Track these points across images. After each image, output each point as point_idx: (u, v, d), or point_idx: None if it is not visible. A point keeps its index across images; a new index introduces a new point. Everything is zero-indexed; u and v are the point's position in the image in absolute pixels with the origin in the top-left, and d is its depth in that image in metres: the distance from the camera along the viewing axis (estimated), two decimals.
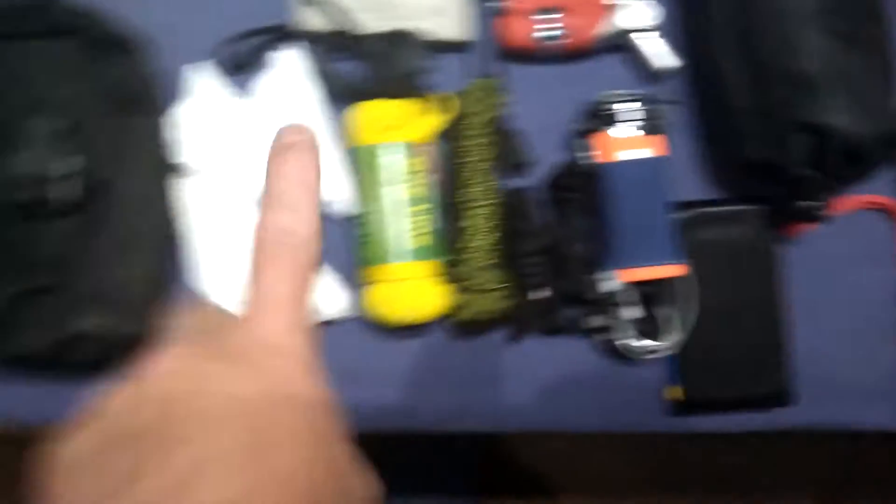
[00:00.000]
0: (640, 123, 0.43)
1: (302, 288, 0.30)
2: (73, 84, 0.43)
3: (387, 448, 0.96)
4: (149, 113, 0.43)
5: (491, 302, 0.44)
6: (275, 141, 0.34)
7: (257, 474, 0.22)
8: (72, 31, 0.43)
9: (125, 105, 0.43)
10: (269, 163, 0.33)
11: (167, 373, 0.25)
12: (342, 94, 0.44)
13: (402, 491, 0.91)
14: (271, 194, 0.31)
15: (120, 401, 0.24)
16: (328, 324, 0.46)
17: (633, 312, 0.43)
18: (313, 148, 0.33)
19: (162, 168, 0.43)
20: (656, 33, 0.44)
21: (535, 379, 0.47)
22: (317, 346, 0.29)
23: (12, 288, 0.42)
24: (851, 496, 0.99)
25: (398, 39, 0.41)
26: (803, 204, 0.41)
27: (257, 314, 0.28)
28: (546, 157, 0.45)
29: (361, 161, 0.42)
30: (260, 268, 0.30)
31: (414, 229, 0.42)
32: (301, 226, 0.31)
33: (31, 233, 0.43)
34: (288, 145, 0.33)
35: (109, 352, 0.43)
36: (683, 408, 0.46)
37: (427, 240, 0.43)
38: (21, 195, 0.41)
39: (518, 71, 0.45)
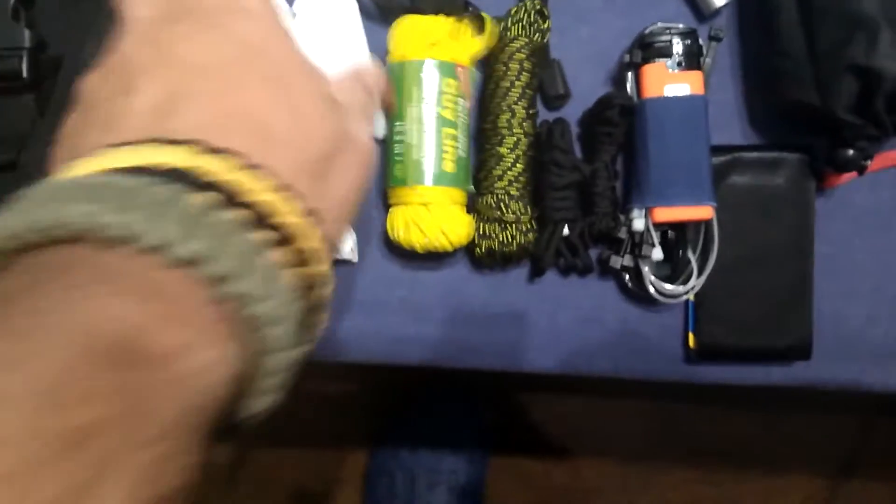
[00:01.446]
0: (683, 60, 0.42)
1: None
2: None
3: (401, 397, 0.96)
4: None
5: (514, 235, 0.43)
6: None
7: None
8: None
9: None
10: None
11: (129, 42, 0.24)
12: (385, 8, 0.43)
13: (415, 440, 0.91)
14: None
15: (93, 77, 0.25)
16: (336, 263, 0.45)
17: (655, 254, 0.43)
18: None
19: None
20: None
21: (553, 318, 0.46)
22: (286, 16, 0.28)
23: None
24: (862, 473, 0.99)
25: None
26: (844, 152, 0.40)
27: None
28: (585, 90, 0.44)
29: (401, 77, 0.41)
30: None
31: (444, 153, 0.41)
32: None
33: None
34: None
35: None
36: (697, 356, 0.46)
37: (455, 166, 0.42)
38: None
39: None
